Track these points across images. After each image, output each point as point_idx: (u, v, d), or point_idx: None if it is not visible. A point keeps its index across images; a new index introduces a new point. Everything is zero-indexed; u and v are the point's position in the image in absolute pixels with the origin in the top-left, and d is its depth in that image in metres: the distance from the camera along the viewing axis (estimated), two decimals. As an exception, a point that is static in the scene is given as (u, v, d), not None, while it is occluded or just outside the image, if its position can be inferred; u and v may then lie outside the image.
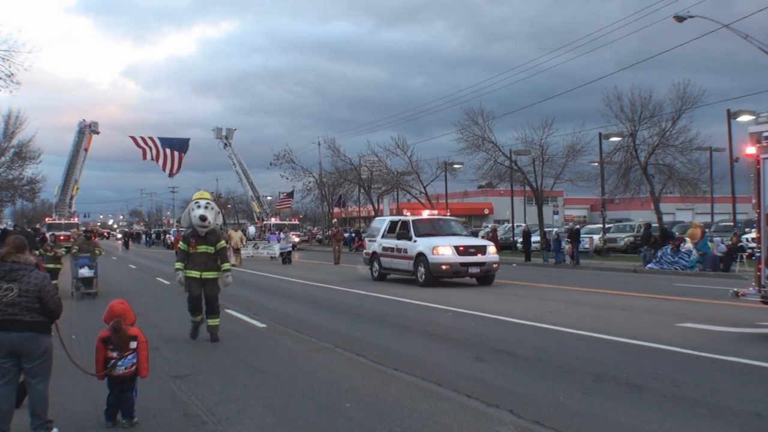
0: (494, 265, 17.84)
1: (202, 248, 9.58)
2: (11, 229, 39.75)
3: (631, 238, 34.80)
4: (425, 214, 21.29)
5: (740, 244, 23.46)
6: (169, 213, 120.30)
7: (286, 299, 15.77)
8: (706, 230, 26.59)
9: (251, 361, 8.22)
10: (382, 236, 20.14)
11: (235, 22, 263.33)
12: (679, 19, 23.89)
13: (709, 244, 23.06)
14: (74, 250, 16.49)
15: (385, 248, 19.67)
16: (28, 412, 5.12)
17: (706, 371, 7.25)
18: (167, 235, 61.70)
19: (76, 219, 59.40)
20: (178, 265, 9.61)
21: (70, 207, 59.34)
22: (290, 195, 58.69)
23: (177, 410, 6.00)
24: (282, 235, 34.88)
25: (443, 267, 17.22)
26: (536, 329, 10.37)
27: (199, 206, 9.63)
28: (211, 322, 9.70)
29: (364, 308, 13.50)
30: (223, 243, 9.82)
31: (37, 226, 52.29)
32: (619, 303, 13.58)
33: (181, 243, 9.78)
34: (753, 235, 28.47)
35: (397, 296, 15.34)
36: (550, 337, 9.66)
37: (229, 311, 13.19)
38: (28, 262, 5.21)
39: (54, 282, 16.00)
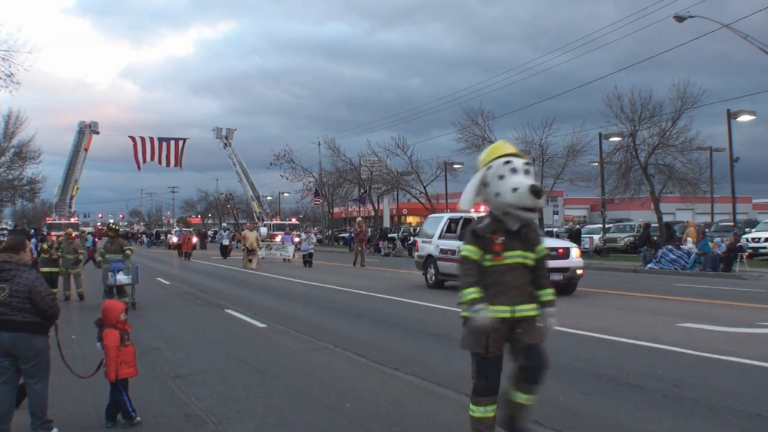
0: (579, 271, 15.40)
1: (515, 256, 4.58)
2: (11, 229, 39.70)
3: (631, 238, 34.84)
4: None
5: (739, 244, 23.44)
6: (169, 213, 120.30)
7: (285, 299, 15.77)
8: (706, 230, 26.58)
9: (251, 361, 8.22)
10: (439, 236, 17.76)
11: (231, 23, 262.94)
12: (679, 19, 23.91)
13: (710, 244, 23.07)
14: (101, 252, 14.69)
15: (443, 251, 17.12)
16: (28, 412, 5.12)
17: (706, 371, 7.24)
18: (169, 235, 61.63)
19: (75, 219, 59.45)
20: (472, 292, 4.46)
21: (70, 207, 59.48)
22: (315, 193, 57.22)
23: (177, 410, 6.00)
24: (303, 235, 31.70)
25: None
26: (536, 329, 10.35)
27: (515, 170, 4.47)
28: (524, 398, 4.66)
29: (364, 308, 13.50)
30: (543, 247, 4.84)
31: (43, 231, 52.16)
32: (619, 303, 13.58)
33: (468, 246, 4.56)
34: (753, 235, 28.54)
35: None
36: (550, 337, 9.64)
37: (229, 311, 13.22)
38: (21, 262, 5.18)
39: (54, 290, 14.22)
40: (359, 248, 28.44)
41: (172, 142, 59.37)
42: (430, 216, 22.25)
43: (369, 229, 52.15)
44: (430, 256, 17.86)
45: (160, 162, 59.17)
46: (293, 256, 30.28)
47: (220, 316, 12.74)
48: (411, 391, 6.55)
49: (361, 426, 5.46)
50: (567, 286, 15.29)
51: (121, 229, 18.10)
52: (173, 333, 10.67)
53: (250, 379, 7.25)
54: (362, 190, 54.02)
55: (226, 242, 39.70)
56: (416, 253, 19.36)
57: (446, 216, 18.87)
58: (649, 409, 5.75)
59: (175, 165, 60.54)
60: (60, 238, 17.26)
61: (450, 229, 17.77)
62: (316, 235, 62.80)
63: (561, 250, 15.45)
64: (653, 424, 5.32)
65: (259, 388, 6.81)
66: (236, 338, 10.09)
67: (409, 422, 5.48)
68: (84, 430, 5.50)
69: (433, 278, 17.63)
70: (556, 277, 14.82)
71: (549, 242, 16.38)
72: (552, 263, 14.65)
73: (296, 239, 35.57)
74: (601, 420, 5.53)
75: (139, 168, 59.09)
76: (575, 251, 15.83)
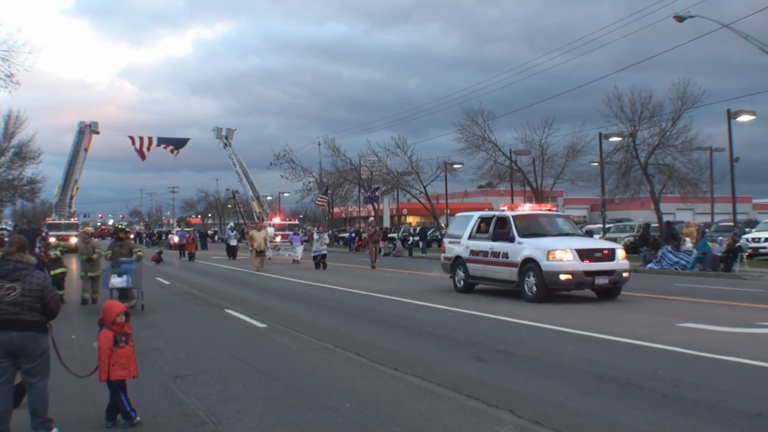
0: (625, 274, 14.27)
1: None
2: (12, 229, 39.67)
3: (631, 238, 34.84)
4: (527, 208, 17.50)
5: (738, 244, 23.40)
6: (169, 213, 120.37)
7: (285, 299, 15.77)
8: (706, 230, 26.56)
9: (251, 361, 8.22)
10: (469, 237, 16.61)
11: (229, 23, 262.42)
12: (679, 19, 23.90)
13: (710, 244, 23.06)
14: (108, 255, 13.97)
15: (474, 252, 16.06)
16: (28, 411, 5.12)
17: (706, 371, 7.24)
18: (169, 235, 61.49)
19: (75, 219, 59.41)
20: None
21: (70, 207, 59.34)
22: (324, 193, 56.15)
23: (177, 410, 6.00)
24: (315, 235, 30.19)
25: (563, 277, 13.63)
26: (536, 329, 10.37)
27: None
28: None
29: (365, 308, 13.51)
30: None
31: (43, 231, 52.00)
32: (619, 303, 13.58)
33: None
34: (753, 235, 28.54)
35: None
36: (550, 337, 9.66)
37: (229, 311, 13.23)
38: (29, 262, 5.25)
39: (61, 292, 13.96)
40: (373, 249, 27.53)
41: (171, 148, 59.23)
42: (458, 215, 20.72)
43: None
44: (458, 257, 16.68)
45: (158, 145, 58.46)
46: (312, 257, 28.04)
47: (221, 316, 12.74)
48: (411, 391, 6.55)
49: (361, 426, 5.46)
50: (612, 290, 14.37)
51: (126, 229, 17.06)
52: (173, 333, 10.67)
53: (250, 379, 7.25)
54: (374, 188, 52.73)
55: (233, 242, 38.05)
56: (443, 255, 18.10)
57: (477, 215, 17.46)
58: (649, 409, 5.75)
59: (173, 151, 59.87)
60: (74, 239, 16.84)
61: (480, 229, 16.50)
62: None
63: (606, 251, 14.40)
64: (653, 424, 5.32)
65: (259, 388, 6.82)
66: (236, 338, 10.09)
67: (409, 422, 5.48)
68: (84, 430, 5.50)
69: (462, 282, 16.44)
70: (602, 280, 14.00)
71: (592, 243, 15.92)
72: (596, 266, 14.05)
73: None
74: (601, 420, 5.53)
75: (143, 159, 58.41)
76: (620, 252, 14.67)
